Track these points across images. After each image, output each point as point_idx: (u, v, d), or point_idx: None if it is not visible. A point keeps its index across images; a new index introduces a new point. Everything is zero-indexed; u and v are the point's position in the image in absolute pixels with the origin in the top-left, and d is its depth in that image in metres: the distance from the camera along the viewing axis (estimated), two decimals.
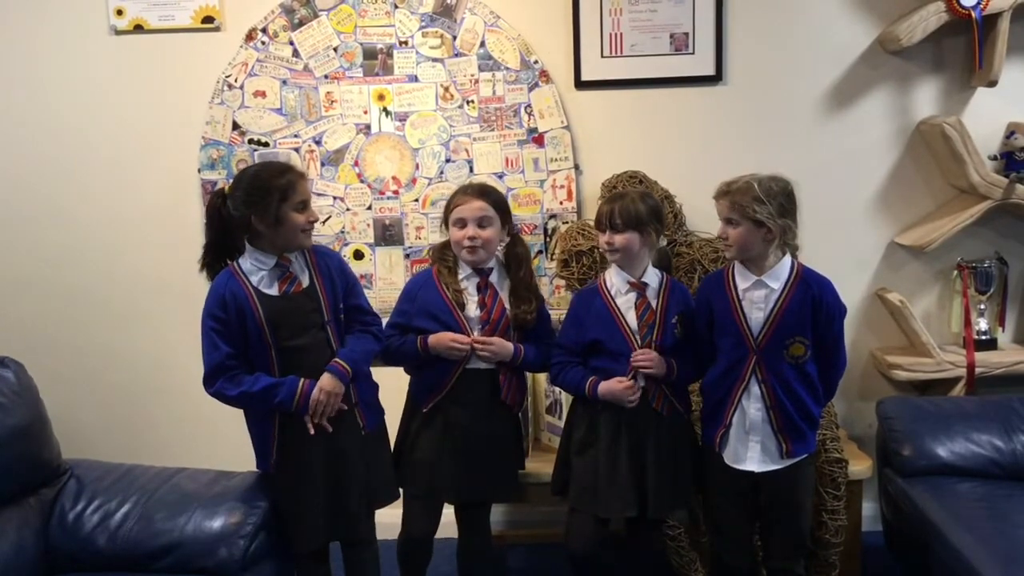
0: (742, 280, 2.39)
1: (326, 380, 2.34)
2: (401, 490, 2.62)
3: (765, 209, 2.28)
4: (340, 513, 2.43)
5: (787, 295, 2.34)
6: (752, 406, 2.38)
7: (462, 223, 2.53)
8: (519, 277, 2.60)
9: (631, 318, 2.48)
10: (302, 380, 2.33)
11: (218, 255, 2.40)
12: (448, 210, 2.58)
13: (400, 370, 2.66)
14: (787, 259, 2.38)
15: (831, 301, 2.37)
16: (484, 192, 2.58)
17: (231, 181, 2.38)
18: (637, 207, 2.44)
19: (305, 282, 2.38)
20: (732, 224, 2.34)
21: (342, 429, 2.40)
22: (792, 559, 2.50)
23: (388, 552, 2.68)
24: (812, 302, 2.35)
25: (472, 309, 2.55)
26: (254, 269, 2.35)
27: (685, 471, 2.53)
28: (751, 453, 2.40)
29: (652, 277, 2.51)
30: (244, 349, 2.33)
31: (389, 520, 2.61)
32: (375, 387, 2.57)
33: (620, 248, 2.45)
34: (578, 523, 2.55)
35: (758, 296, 2.36)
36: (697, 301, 2.52)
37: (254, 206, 2.28)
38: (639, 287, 2.49)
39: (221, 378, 2.31)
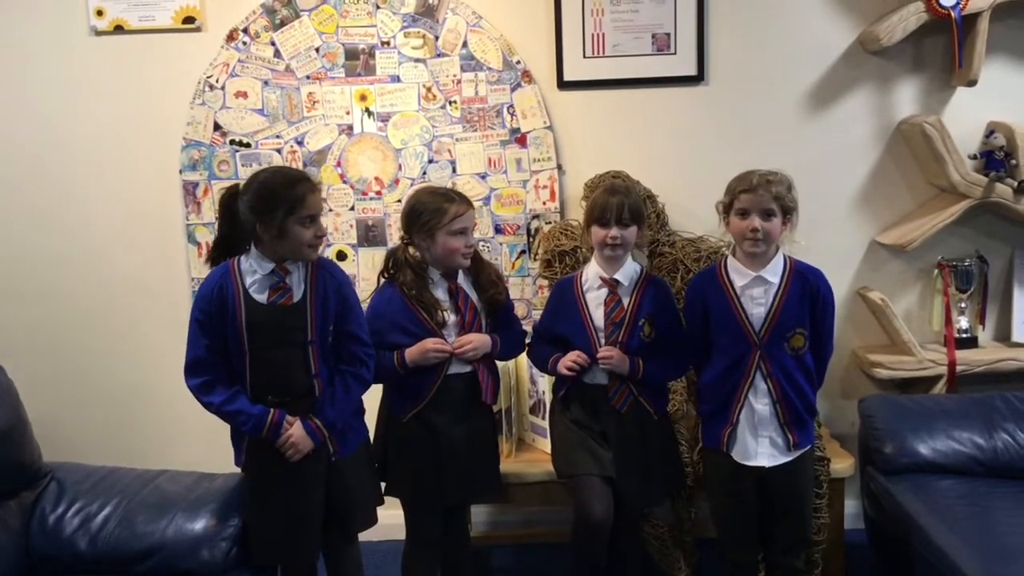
0: (738, 277, 2.38)
1: (298, 434, 2.28)
2: (399, 499, 2.59)
3: (795, 200, 2.31)
4: (295, 536, 2.37)
5: (785, 288, 2.35)
6: (759, 402, 2.39)
7: (463, 231, 2.49)
8: (485, 274, 2.59)
9: (598, 315, 2.49)
10: (271, 413, 2.27)
11: (225, 251, 2.35)
12: (445, 219, 2.46)
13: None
14: (780, 253, 2.39)
15: (826, 292, 2.40)
16: (469, 201, 2.54)
17: (245, 181, 2.30)
18: (639, 201, 2.47)
19: (296, 297, 2.30)
20: (769, 216, 2.31)
21: (309, 459, 2.33)
22: (795, 553, 2.51)
23: (377, 555, 2.67)
24: (811, 294, 2.36)
25: (448, 316, 2.51)
26: (251, 271, 2.29)
27: (657, 468, 2.53)
28: (761, 449, 2.41)
29: (628, 273, 2.50)
30: (224, 347, 2.29)
31: (385, 522, 2.58)
32: (358, 412, 2.50)
33: (627, 243, 2.45)
34: (588, 486, 2.44)
35: (757, 292, 2.36)
36: (688, 299, 2.51)
37: (260, 214, 2.21)
38: (610, 284, 2.49)
39: (199, 376, 2.28)
